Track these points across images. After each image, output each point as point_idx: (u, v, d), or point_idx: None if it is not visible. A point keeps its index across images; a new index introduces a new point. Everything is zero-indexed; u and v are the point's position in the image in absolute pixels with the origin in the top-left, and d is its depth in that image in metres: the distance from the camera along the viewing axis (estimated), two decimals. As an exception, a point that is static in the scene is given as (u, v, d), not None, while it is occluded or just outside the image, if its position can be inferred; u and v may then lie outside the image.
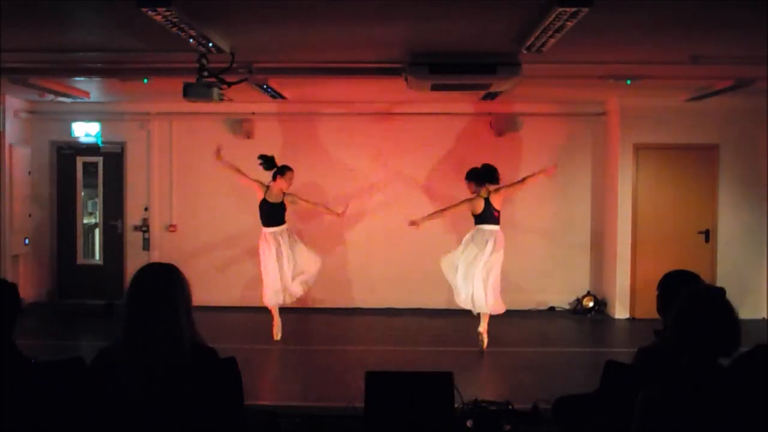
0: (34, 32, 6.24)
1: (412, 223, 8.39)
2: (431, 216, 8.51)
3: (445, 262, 8.45)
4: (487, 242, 8.10)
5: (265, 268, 8.59)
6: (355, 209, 10.55)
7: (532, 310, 10.49)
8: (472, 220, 8.31)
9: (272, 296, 8.56)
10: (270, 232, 8.56)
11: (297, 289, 8.67)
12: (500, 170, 8.27)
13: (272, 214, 8.57)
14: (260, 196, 8.58)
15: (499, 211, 8.21)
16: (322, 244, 10.68)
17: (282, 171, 8.58)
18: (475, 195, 8.22)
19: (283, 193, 8.61)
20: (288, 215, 8.78)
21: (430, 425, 4.25)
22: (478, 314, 8.24)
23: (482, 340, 8.19)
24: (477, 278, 8.09)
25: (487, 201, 8.15)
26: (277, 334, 8.64)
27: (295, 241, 8.68)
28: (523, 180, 8.50)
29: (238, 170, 8.73)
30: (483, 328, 8.20)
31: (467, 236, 8.33)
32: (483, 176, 8.21)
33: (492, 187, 8.21)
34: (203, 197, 10.84)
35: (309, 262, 8.72)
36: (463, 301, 8.28)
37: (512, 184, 8.48)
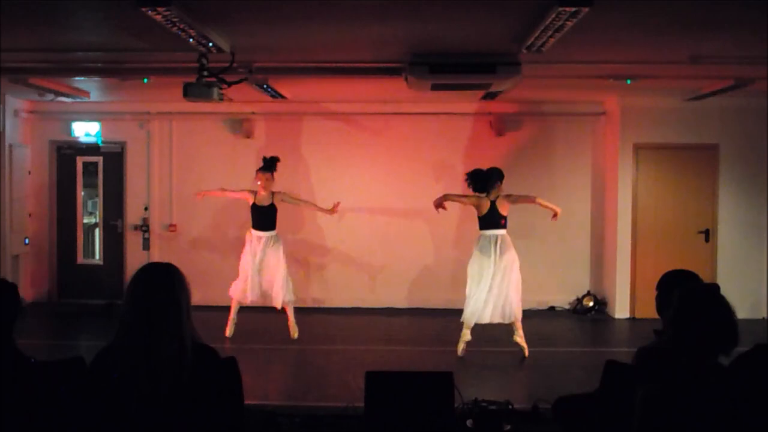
0: (34, 32, 6.23)
1: (439, 205, 7.89)
2: (448, 198, 7.97)
3: (471, 271, 7.88)
4: (492, 247, 7.69)
5: (242, 266, 8.69)
6: (355, 209, 10.59)
7: (532, 310, 10.46)
8: (475, 223, 8.00)
9: (235, 290, 8.66)
10: (256, 235, 8.64)
11: (273, 298, 8.63)
12: (500, 170, 7.94)
13: (259, 217, 8.67)
14: (250, 201, 8.69)
15: (505, 217, 7.80)
16: (322, 243, 10.73)
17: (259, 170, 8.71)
18: (483, 195, 7.81)
19: (272, 194, 8.65)
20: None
21: (430, 425, 4.25)
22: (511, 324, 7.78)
23: (523, 347, 7.79)
24: (500, 287, 7.65)
25: (493, 204, 7.75)
26: (230, 331, 8.64)
27: (275, 252, 8.62)
28: (534, 199, 7.95)
29: (222, 190, 8.98)
30: (519, 336, 7.79)
31: (475, 247, 7.87)
32: (480, 182, 7.82)
33: (502, 191, 7.80)
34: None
35: (274, 278, 8.60)
36: (489, 316, 7.67)
37: (525, 198, 7.97)
